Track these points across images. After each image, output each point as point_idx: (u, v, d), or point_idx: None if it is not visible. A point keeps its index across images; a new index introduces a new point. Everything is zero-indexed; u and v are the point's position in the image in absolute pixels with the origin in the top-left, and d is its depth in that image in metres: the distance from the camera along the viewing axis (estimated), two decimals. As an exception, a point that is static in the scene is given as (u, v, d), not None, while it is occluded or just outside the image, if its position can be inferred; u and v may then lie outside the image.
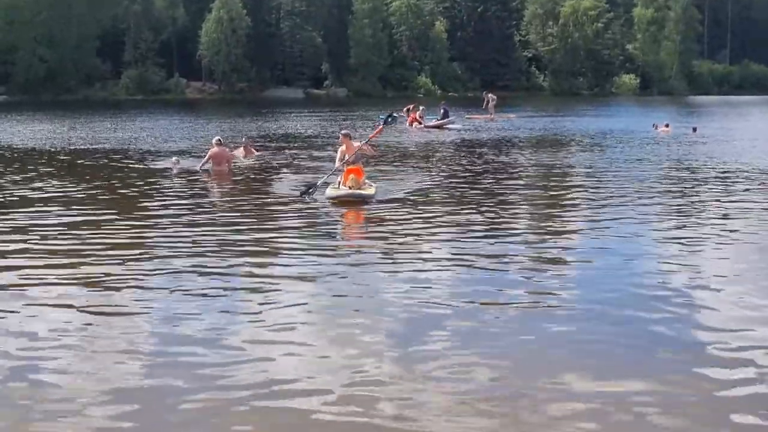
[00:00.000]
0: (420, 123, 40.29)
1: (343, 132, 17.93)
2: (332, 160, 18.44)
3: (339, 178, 15.92)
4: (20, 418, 5.74)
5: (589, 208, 14.89)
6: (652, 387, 6.18)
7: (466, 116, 46.53)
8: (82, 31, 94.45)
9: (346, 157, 16.58)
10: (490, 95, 50.08)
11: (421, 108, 42.69)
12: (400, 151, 26.52)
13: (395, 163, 22.26)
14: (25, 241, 11.59)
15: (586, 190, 17.26)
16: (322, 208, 14.81)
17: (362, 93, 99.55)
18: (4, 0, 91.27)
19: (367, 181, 16.06)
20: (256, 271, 9.72)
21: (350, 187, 15.15)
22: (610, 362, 6.78)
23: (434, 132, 37.09)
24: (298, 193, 15.87)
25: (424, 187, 17.53)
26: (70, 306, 8.27)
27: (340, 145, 17.40)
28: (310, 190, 15.78)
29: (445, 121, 40.99)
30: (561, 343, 7.18)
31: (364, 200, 14.98)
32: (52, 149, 28.22)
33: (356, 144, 17.23)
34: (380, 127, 18.48)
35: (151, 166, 21.86)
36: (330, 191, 15.41)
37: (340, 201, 14.94)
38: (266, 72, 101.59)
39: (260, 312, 8.05)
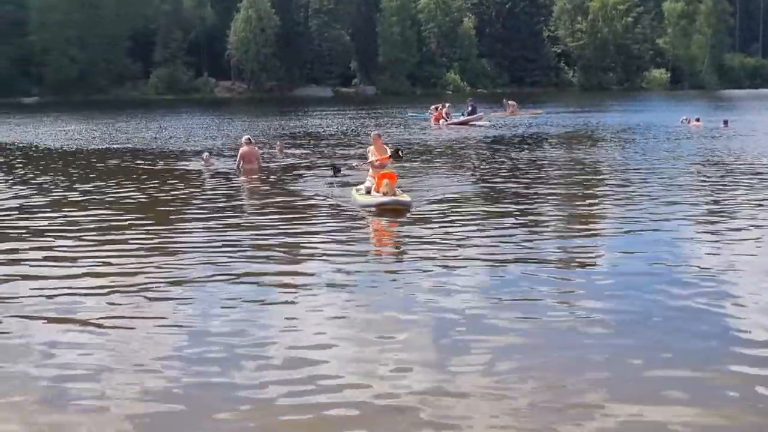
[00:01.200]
0: (446, 120, 40.13)
1: (374, 132, 17.03)
2: (361, 158, 18.02)
3: (370, 184, 14.88)
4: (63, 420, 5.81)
5: (624, 206, 14.45)
6: (697, 401, 6.02)
7: (491, 113, 46.05)
8: (113, 31, 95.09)
9: (373, 158, 16.09)
10: (510, 102, 49.73)
11: (446, 105, 42.49)
12: (427, 150, 26.21)
13: (423, 165, 21.71)
14: (52, 246, 11.65)
15: (619, 187, 16.91)
16: (355, 212, 14.14)
17: (391, 91, 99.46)
18: (36, 2, 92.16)
19: (398, 190, 14.99)
20: (289, 279, 9.41)
21: (384, 194, 14.10)
22: (651, 372, 6.54)
23: (461, 129, 36.81)
24: (328, 179, 16.43)
25: (455, 190, 16.59)
26: (102, 309, 8.28)
27: (371, 145, 16.65)
28: (337, 168, 16.36)
29: (470, 117, 40.77)
30: (601, 350, 6.95)
31: (401, 207, 13.94)
32: (84, 149, 28.47)
33: (386, 147, 16.51)
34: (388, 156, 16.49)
35: (181, 166, 21.96)
36: (363, 198, 14.50)
37: (376, 209, 13.96)
38: (295, 70, 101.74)
39: (294, 317, 7.94)
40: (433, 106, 43.21)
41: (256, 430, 5.62)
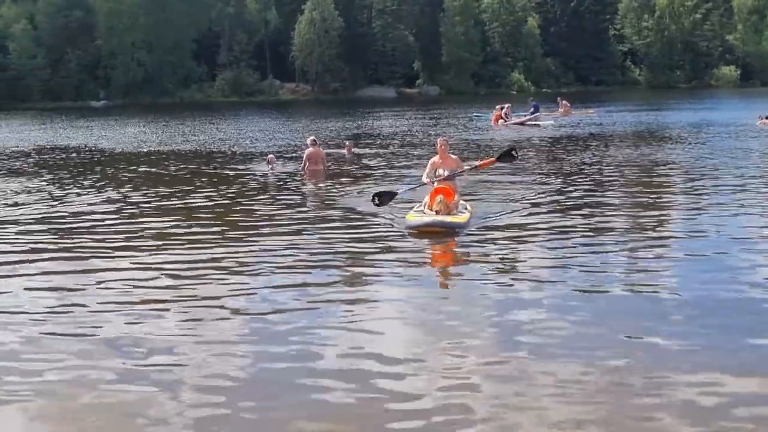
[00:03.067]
0: (506, 120, 39.69)
1: (442, 138, 14.31)
2: (423, 165, 15.23)
3: (425, 200, 12.90)
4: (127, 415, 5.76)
5: (697, 213, 14.03)
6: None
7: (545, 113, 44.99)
8: (178, 35, 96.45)
9: (438, 171, 13.44)
10: (563, 102, 49.02)
11: (505, 105, 41.96)
12: (487, 154, 25.46)
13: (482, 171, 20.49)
14: (118, 247, 11.75)
15: (695, 193, 16.38)
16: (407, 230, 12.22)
17: (455, 91, 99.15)
18: (104, 7, 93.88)
19: (462, 203, 13.17)
20: (347, 295, 8.93)
21: (437, 212, 12.10)
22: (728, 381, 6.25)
23: (522, 130, 36.30)
24: (372, 198, 13.64)
25: (516, 200, 14.86)
26: (170, 313, 8.29)
27: (436, 154, 13.98)
28: (383, 197, 13.51)
29: (528, 117, 40.35)
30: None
31: (453, 230, 11.93)
32: (150, 152, 28.84)
33: (454, 158, 13.92)
34: (493, 159, 14.63)
35: (246, 169, 21.97)
36: (411, 217, 12.34)
37: (422, 231, 11.92)
38: (359, 72, 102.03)
39: (349, 330, 7.74)
40: (498, 106, 42.81)
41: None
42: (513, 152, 14.11)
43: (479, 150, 26.07)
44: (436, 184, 13.12)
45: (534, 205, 14.37)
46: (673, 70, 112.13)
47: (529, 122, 39.47)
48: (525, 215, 13.40)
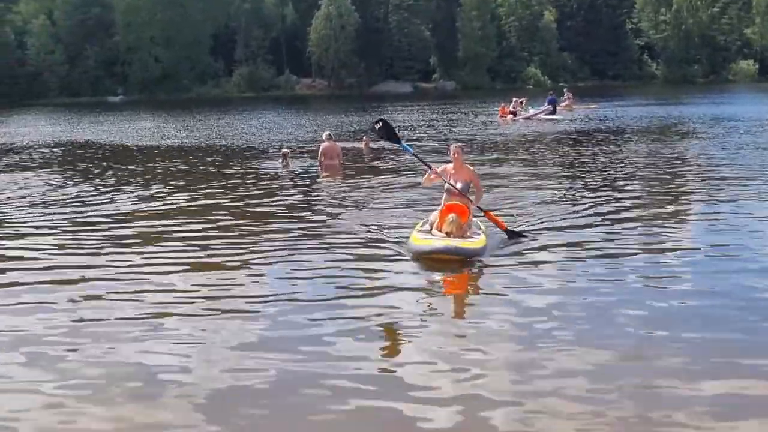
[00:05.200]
0: (514, 115, 39.50)
1: (455, 145, 11.70)
2: (440, 161, 13.77)
3: (434, 217, 10.98)
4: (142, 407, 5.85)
5: (716, 206, 14.04)
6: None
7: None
8: (196, 31, 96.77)
9: (451, 180, 11.23)
10: (567, 94, 48.72)
11: (514, 100, 41.67)
12: (495, 156, 24.20)
13: (494, 172, 18.81)
14: (126, 243, 11.85)
15: (713, 186, 16.38)
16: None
17: (471, 86, 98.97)
18: (122, 3, 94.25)
19: (475, 223, 11.09)
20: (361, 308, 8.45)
21: (448, 234, 10.17)
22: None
23: (529, 125, 36.12)
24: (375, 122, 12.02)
25: (532, 217, 12.91)
26: (187, 309, 8.30)
27: (449, 161, 11.65)
28: (382, 131, 11.81)
29: (536, 112, 40.15)
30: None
31: (463, 257, 9.90)
32: (166, 147, 28.96)
33: (470, 170, 11.56)
34: (503, 225, 11.41)
35: (260, 164, 22.03)
36: (417, 240, 10.34)
37: (431, 257, 9.94)
38: (375, 67, 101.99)
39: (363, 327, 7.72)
40: (518, 100, 42.70)
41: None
42: (522, 237, 11.23)
43: (484, 147, 26.07)
44: (442, 200, 11.18)
45: (551, 217, 12.84)
46: (691, 65, 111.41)
47: (537, 117, 39.27)
48: (542, 231, 11.70)
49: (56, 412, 5.84)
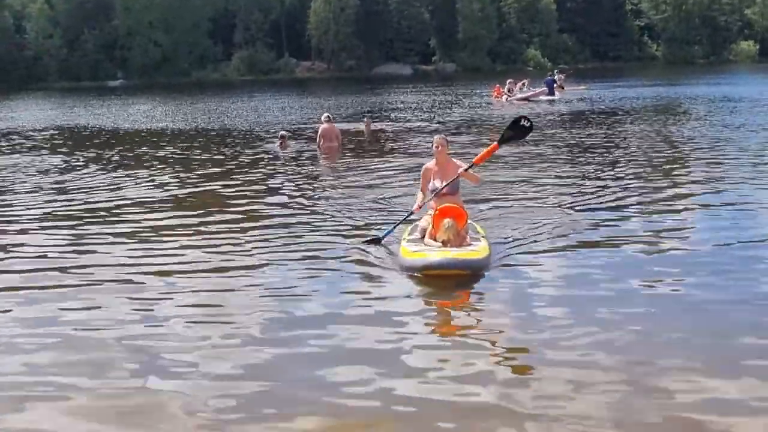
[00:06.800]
0: (509, 96, 39.38)
1: (439, 137, 10.07)
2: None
3: (425, 222, 9.50)
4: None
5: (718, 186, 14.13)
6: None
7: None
8: (195, 14, 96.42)
9: (435, 183, 9.76)
10: (560, 75, 48.56)
11: (509, 81, 41.52)
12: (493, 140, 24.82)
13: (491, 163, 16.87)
14: (130, 230, 11.87)
15: (714, 166, 16.45)
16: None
17: (471, 67, 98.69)
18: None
19: (472, 227, 9.60)
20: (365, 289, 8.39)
21: (444, 242, 8.75)
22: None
23: (525, 106, 35.97)
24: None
25: (533, 212, 11.76)
26: (187, 292, 8.24)
27: (433, 158, 10.00)
28: (376, 240, 9.95)
29: (531, 93, 40.02)
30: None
31: (464, 272, 8.45)
32: (165, 131, 28.99)
33: (457, 164, 9.87)
34: (495, 144, 10.11)
35: (260, 147, 21.99)
36: (408, 254, 8.78)
37: (428, 273, 8.46)
38: (375, 49, 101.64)
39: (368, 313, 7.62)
40: (520, 83, 42.64)
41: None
42: (522, 122, 9.91)
43: (479, 129, 26.05)
44: (433, 203, 9.64)
45: (555, 209, 11.92)
46: (691, 45, 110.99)
47: (533, 98, 39.14)
48: (546, 229, 10.52)
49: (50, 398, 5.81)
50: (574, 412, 5.29)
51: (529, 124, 9.89)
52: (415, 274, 8.50)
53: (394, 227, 10.12)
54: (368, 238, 10.10)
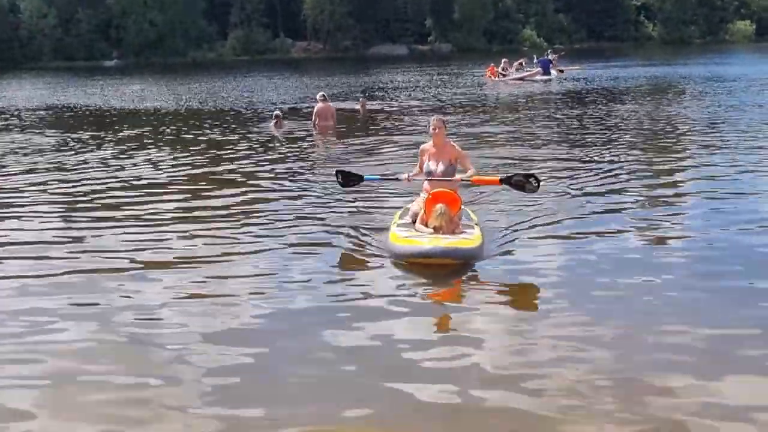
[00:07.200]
0: (503, 76, 39.33)
1: (436, 119, 9.62)
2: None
3: (417, 206, 9.16)
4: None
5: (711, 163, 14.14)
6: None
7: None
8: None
9: (430, 165, 9.43)
10: (553, 55, 48.47)
11: (504, 61, 41.45)
12: (485, 119, 24.33)
13: (482, 142, 17.31)
14: (122, 211, 11.87)
15: (710, 145, 16.45)
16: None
17: (467, 48, 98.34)
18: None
19: (466, 214, 9.30)
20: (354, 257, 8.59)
21: (436, 229, 8.44)
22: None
23: (519, 85, 35.93)
24: (335, 174, 10.41)
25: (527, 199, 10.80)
26: (180, 275, 8.14)
27: (430, 138, 9.59)
28: (347, 178, 10.17)
29: (525, 74, 39.97)
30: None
31: (454, 261, 8.13)
32: (159, 111, 28.91)
33: (454, 148, 9.58)
34: (496, 180, 9.65)
35: (255, 127, 21.93)
36: (397, 240, 8.50)
37: (417, 261, 8.17)
38: (370, 29, 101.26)
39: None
40: (517, 62, 42.59)
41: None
42: (531, 180, 9.30)
43: (472, 108, 25.99)
44: (427, 186, 9.40)
45: (550, 193, 11.44)
46: (688, 25, 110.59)
47: (528, 78, 39.05)
48: (540, 214, 10.21)
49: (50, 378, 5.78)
50: (570, 407, 5.12)
51: (536, 185, 9.29)
52: (404, 262, 8.20)
53: (381, 179, 10.53)
54: (349, 171, 10.28)
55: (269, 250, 8.96)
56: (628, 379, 5.48)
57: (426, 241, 8.21)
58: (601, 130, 19.07)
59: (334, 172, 10.46)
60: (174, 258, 8.67)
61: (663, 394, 5.23)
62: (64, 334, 6.49)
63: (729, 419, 4.98)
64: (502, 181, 9.41)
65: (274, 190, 12.63)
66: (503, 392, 5.34)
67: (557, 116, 22.52)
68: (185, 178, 14.16)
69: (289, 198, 11.97)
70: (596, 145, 16.63)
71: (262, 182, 13.48)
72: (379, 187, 12.14)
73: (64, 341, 6.35)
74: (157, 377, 5.65)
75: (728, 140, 16.47)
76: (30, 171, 15.29)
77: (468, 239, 8.33)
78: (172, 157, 16.80)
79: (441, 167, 9.28)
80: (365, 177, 10.16)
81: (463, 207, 9.10)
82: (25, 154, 17.65)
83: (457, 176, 9.29)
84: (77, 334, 6.49)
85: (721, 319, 6.56)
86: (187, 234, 9.72)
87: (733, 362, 5.76)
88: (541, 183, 9.36)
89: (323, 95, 21.13)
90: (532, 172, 9.36)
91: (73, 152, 17.70)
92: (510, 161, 14.70)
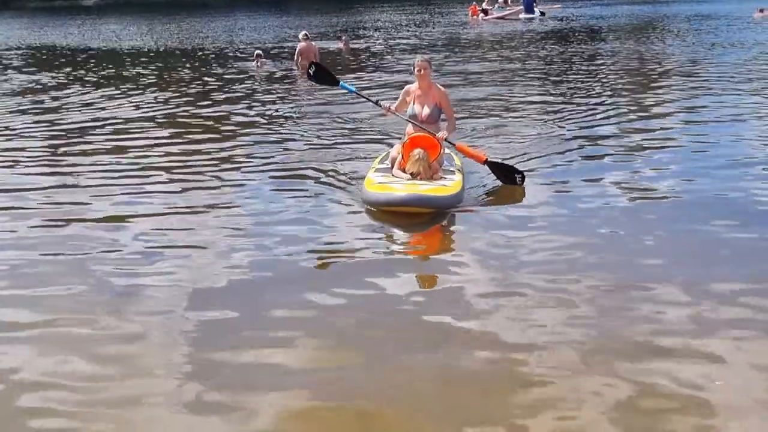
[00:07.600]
0: (486, 14, 38.99)
1: (421, 59, 8.96)
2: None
3: (396, 151, 8.70)
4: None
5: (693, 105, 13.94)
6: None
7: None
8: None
9: (414, 108, 8.90)
10: None
11: (485, 1, 41.11)
12: (468, 58, 24.02)
13: (464, 85, 16.63)
14: (103, 153, 11.72)
15: (689, 84, 16.32)
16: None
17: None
18: None
19: (447, 156, 8.87)
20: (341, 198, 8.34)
21: (413, 175, 7.98)
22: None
23: (502, 24, 35.64)
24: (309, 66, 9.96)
25: (511, 140, 11.10)
26: (159, 220, 7.87)
27: (414, 81, 9.07)
28: (319, 76, 9.73)
29: (507, 12, 39.66)
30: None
31: (428, 209, 7.65)
32: (137, 51, 28.61)
33: (441, 91, 8.98)
34: (483, 157, 8.89)
35: (236, 66, 21.66)
36: (372, 186, 7.98)
37: (391, 209, 7.68)
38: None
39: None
40: (501, 0, 42.34)
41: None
42: (516, 176, 8.70)
43: (456, 47, 25.83)
44: (410, 128, 8.91)
45: (532, 137, 11.24)
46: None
47: (509, 17, 38.73)
48: (523, 160, 9.83)
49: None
50: (554, 362, 4.85)
51: (520, 182, 8.61)
52: (377, 209, 7.76)
53: (357, 94, 9.94)
54: (326, 68, 9.83)
55: (250, 196, 8.70)
56: (612, 330, 5.25)
57: (401, 187, 7.74)
58: (584, 69, 18.94)
59: (308, 66, 9.90)
60: (153, 204, 8.41)
61: (652, 353, 4.95)
62: (40, 285, 6.23)
63: (716, 365, 4.87)
64: (487, 162, 8.79)
65: (255, 133, 12.39)
66: (485, 347, 5.05)
67: (540, 54, 22.40)
68: (164, 120, 13.87)
69: (272, 142, 11.67)
70: (580, 86, 16.46)
71: (242, 124, 13.26)
72: (367, 128, 12.04)
73: (42, 294, 6.06)
74: (138, 329, 5.42)
75: (710, 79, 16.39)
76: (6, 113, 15.00)
77: (446, 186, 7.88)
78: (153, 96, 16.59)
79: (426, 110, 8.80)
80: (341, 84, 9.60)
81: (447, 151, 8.77)
82: (5, 92, 17.47)
83: (441, 134, 8.64)
84: (53, 283, 6.25)
85: (706, 270, 6.31)
86: (166, 180, 9.45)
87: (714, 312, 5.54)
88: (526, 179, 8.66)
89: (306, 34, 20.97)
90: (520, 169, 8.77)
91: (48, 95, 17.37)
92: (493, 101, 14.50)
